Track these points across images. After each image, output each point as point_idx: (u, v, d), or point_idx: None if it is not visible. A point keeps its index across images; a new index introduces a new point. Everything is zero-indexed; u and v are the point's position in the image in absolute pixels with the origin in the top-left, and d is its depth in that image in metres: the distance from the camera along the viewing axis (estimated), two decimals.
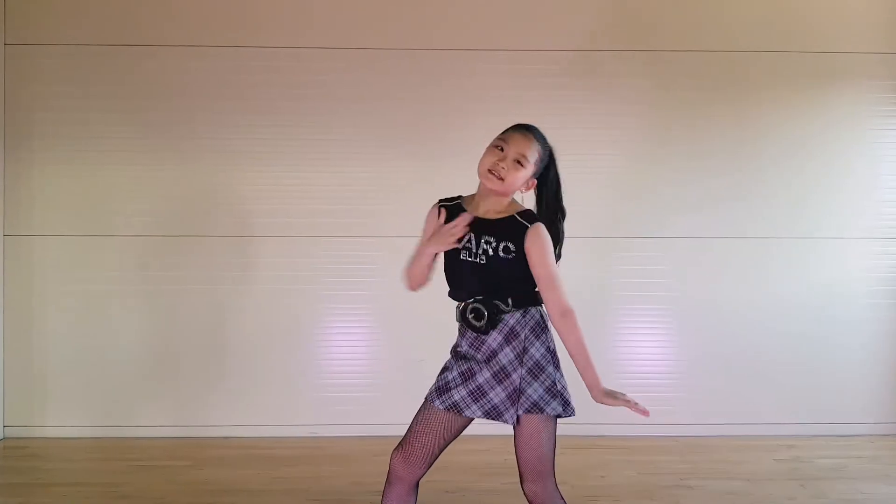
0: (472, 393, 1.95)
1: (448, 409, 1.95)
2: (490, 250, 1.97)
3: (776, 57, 3.88)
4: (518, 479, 2.01)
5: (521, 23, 3.82)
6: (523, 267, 1.98)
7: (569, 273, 3.71)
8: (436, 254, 2.05)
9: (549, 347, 2.02)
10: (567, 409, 1.99)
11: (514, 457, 2.00)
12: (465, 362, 1.99)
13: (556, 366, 2.02)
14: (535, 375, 1.96)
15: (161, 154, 3.78)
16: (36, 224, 3.77)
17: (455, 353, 2.06)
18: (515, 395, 1.93)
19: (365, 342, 3.86)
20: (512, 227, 1.99)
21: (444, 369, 2.04)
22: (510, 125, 2.11)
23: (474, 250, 1.98)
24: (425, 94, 3.78)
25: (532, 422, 1.94)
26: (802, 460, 3.46)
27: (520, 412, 1.93)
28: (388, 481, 2.04)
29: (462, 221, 1.97)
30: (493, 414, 1.94)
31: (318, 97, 3.79)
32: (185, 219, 3.79)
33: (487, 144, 2.07)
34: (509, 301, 1.98)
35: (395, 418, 3.72)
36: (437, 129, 3.76)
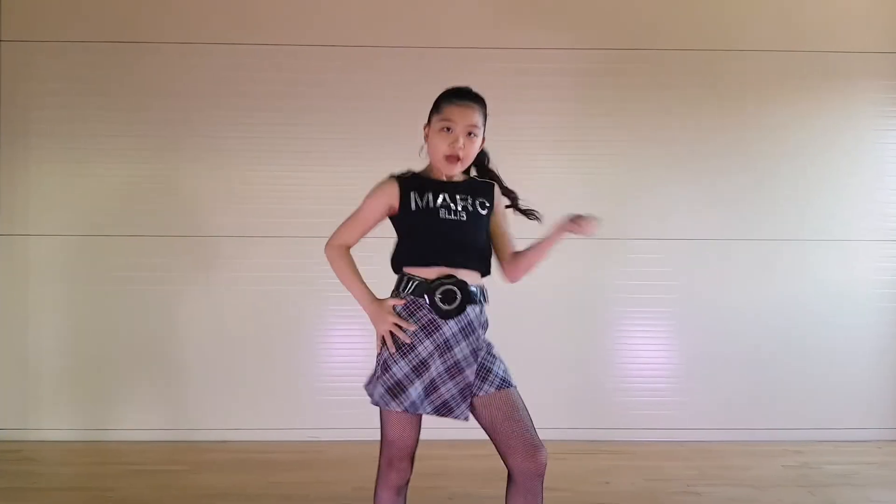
0: (427, 388, 1.89)
1: (405, 411, 1.88)
2: (469, 206, 1.95)
3: (779, 56, 3.83)
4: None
5: (520, 21, 3.77)
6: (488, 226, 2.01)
7: (569, 275, 3.71)
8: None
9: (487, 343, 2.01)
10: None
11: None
12: (415, 356, 1.89)
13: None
14: (495, 354, 1.96)
15: (157, 153, 3.72)
16: (31, 224, 3.71)
17: (400, 347, 1.92)
18: (468, 390, 1.89)
19: (364, 345, 3.78)
20: (479, 186, 2.02)
21: (386, 367, 1.91)
22: (440, 94, 2.05)
23: (454, 207, 1.94)
24: (423, 93, 3.70)
25: (511, 395, 1.91)
26: (810, 466, 3.40)
27: (491, 390, 1.89)
28: (388, 490, 1.96)
29: (409, 328, 1.90)
30: (444, 410, 1.89)
31: (317, 96, 3.74)
32: (181, 219, 3.73)
33: (426, 122, 2.05)
34: (482, 279, 1.97)
35: None
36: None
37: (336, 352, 3.77)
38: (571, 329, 3.81)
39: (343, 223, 2.06)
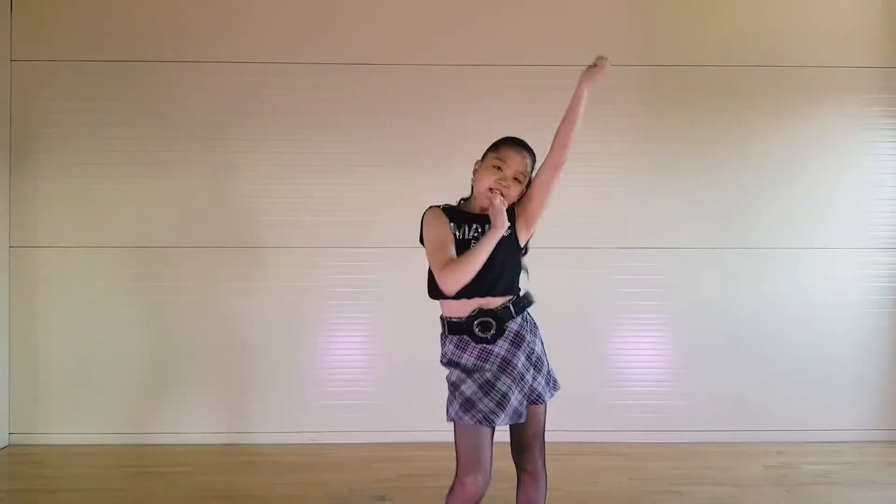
0: (498, 403, 2.02)
1: (478, 423, 2.00)
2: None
3: (766, 71, 3.97)
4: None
5: (512, 39, 3.93)
6: (517, 253, 2.16)
7: (562, 283, 3.84)
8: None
9: (543, 342, 2.19)
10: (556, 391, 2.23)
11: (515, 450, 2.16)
12: (480, 375, 2.04)
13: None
14: (539, 369, 2.13)
15: (163, 167, 3.88)
16: (41, 236, 3.86)
17: (461, 368, 2.07)
18: (533, 393, 2.10)
19: (366, 351, 3.94)
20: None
21: (455, 386, 2.05)
22: (500, 138, 2.21)
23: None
24: (425, 108, 3.88)
25: (541, 409, 2.16)
26: (790, 466, 3.54)
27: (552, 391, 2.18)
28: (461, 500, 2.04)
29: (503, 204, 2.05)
30: (515, 417, 2.05)
31: (318, 111, 3.89)
32: (187, 230, 3.88)
33: (480, 158, 2.18)
34: (518, 290, 2.13)
35: (395, 426, 3.84)
36: (436, 141, 3.85)
37: (337, 358, 3.92)
38: (564, 334, 3.94)
39: (433, 261, 2.09)
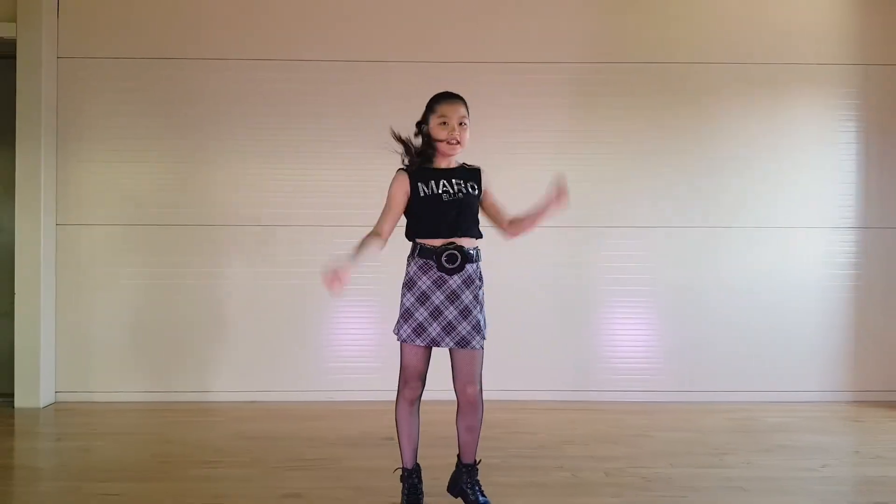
0: (445, 328, 2.47)
1: (428, 346, 2.49)
2: (464, 188, 2.52)
3: (731, 68, 4.42)
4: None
5: (506, 38, 4.37)
6: (476, 206, 2.57)
7: (544, 260, 4.27)
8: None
9: (482, 296, 2.58)
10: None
11: (455, 381, 2.56)
12: (430, 304, 2.47)
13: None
14: (465, 317, 2.51)
15: (194, 153, 4.33)
16: (84, 214, 4.32)
17: (417, 295, 2.48)
18: (478, 326, 2.50)
19: (374, 319, 4.39)
20: (469, 173, 2.57)
21: (409, 314, 2.48)
22: (432, 98, 2.59)
23: (452, 191, 2.50)
24: (414, 102, 4.31)
25: (476, 355, 2.53)
26: (752, 419, 3.98)
27: (482, 340, 2.51)
28: (409, 403, 2.58)
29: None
30: (463, 343, 2.47)
31: (325, 105, 4.34)
32: (216, 210, 4.33)
33: (421, 120, 2.58)
34: (476, 242, 2.53)
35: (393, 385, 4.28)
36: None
37: (346, 329, 4.39)
38: (555, 306, 4.40)
39: (380, 216, 2.57)
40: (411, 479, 2.60)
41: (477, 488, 2.59)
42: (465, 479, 2.61)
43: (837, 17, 4.44)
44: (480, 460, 2.64)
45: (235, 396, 4.32)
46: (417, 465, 2.63)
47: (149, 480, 2.93)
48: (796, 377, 4.43)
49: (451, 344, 2.48)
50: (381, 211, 2.58)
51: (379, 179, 4.28)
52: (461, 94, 2.59)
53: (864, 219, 4.43)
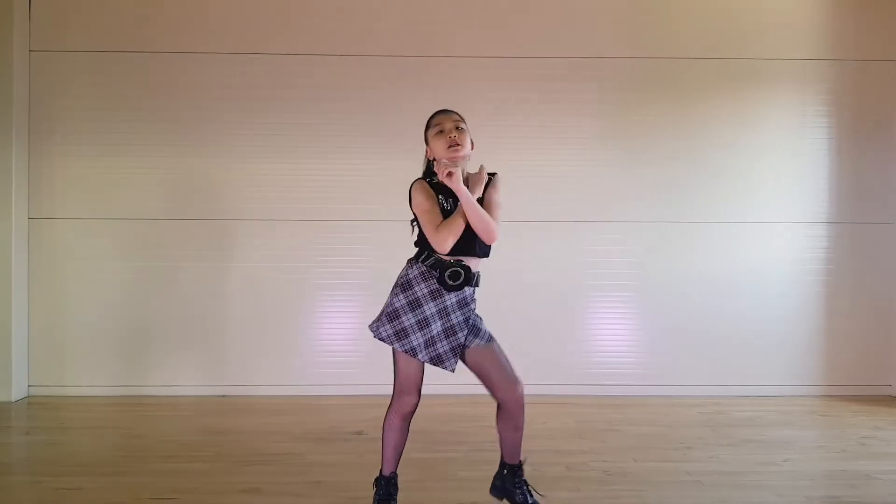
0: (427, 341, 2.42)
1: (405, 352, 2.41)
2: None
3: (711, 63, 4.42)
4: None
5: (481, 33, 4.36)
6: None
7: (525, 254, 4.28)
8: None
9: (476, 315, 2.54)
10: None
11: (486, 387, 2.51)
12: (419, 312, 2.42)
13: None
14: (475, 334, 2.49)
15: (167, 147, 4.32)
16: (57, 208, 4.31)
17: (410, 300, 2.42)
18: (457, 349, 2.44)
19: (349, 316, 4.39)
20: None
21: (395, 315, 2.41)
22: (428, 119, 2.55)
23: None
24: (406, 97, 4.31)
25: (494, 346, 2.50)
26: (722, 413, 4.00)
27: (482, 343, 2.47)
28: (396, 415, 2.49)
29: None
30: (437, 361, 2.43)
31: (311, 98, 4.34)
32: (190, 204, 4.32)
33: (426, 142, 2.55)
34: (482, 263, 2.49)
35: (373, 380, 4.29)
36: (417, 127, 4.28)
37: (326, 324, 4.39)
38: (530, 301, 4.40)
39: (427, 224, 2.42)
40: (388, 487, 2.53)
41: (525, 488, 2.57)
42: (512, 479, 2.57)
43: (811, 13, 4.44)
44: (525, 459, 2.61)
45: (205, 391, 4.32)
46: (395, 473, 2.55)
47: (110, 474, 2.93)
48: (768, 372, 4.44)
49: (425, 358, 2.43)
50: (425, 224, 2.45)
51: (360, 175, 4.35)
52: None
53: (835, 214, 4.44)
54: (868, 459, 3.21)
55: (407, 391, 2.47)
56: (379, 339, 2.46)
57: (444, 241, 2.38)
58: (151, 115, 4.31)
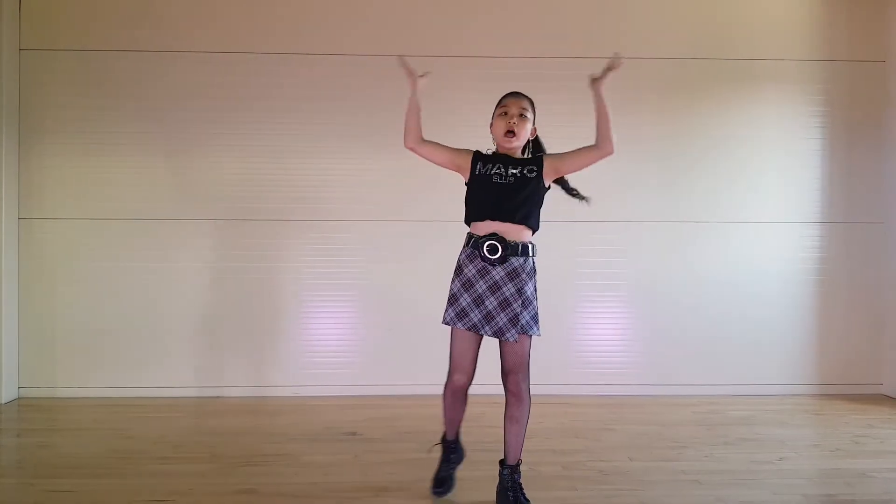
0: (485, 317, 2.51)
1: (469, 329, 2.52)
2: (517, 173, 2.57)
3: (703, 64, 4.43)
4: None
5: (474, 33, 4.35)
6: (540, 191, 2.60)
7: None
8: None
9: (535, 286, 2.60)
10: (539, 330, 2.59)
11: (502, 374, 2.59)
12: (473, 291, 2.52)
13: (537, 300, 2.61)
14: (525, 307, 2.53)
15: (159, 147, 4.28)
16: (47, 208, 4.27)
17: (463, 281, 2.54)
18: (515, 319, 2.50)
19: (344, 318, 4.38)
20: (531, 160, 2.64)
21: (454, 298, 2.54)
22: (504, 94, 2.69)
23: (504, 173, 2.56)
24: (396, 97, 4.28)
25: (522, 339, 2.55)
26: (716, 412, 4.00)
27: (517, 333, 2.51)
28: (448, 390, 2.62)
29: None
30: (499, 333, 2.49)
31: (303, 98, 4.30)
32: (181, 204, 4.29)
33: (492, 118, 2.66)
34: (524, 233, 2.56)
35: (368, 381, 4.27)
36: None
37: (317, 323, 4.35)
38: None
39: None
40: (447, 448, 2.77)
41: (519, 491, 2.58)
42: (506, 480, 2.60)
43: (803, 14, 4.46)
44: (520, 461, 2.64)
45: (199, 392, 4.29)
46: (457, 437, 2.78)
47: (103, 476, 2.91)
48: (762, 371, 4.46)
49: (489, 333, 2.51)
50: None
51: (346, 174, 4.34)
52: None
53: (827, 213, 4.46)
54: (862, 457, 3.23)
55: (457, 369, 2.58)
56: (445, 323, 2.56)
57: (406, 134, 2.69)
58: (142, 115, 4.28)
